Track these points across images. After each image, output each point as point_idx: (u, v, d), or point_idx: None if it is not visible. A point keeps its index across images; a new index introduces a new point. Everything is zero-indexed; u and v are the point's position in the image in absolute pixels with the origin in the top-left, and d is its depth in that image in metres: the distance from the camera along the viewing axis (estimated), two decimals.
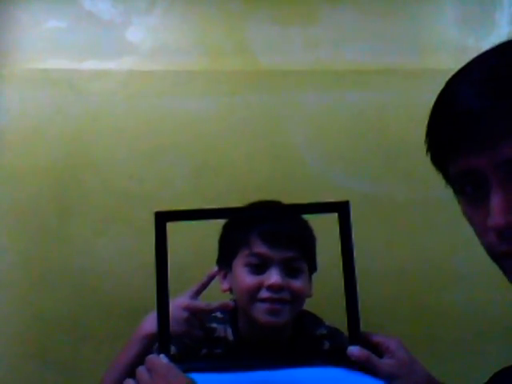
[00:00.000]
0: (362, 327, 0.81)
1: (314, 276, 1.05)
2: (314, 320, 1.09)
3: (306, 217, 1.04)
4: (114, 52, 1.61)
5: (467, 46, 1.65)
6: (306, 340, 1.04)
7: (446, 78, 0.56)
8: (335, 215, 0.82)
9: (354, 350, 0.79)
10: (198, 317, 0.99)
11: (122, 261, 1.52)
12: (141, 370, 0.75)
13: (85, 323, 1.51)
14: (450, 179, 0.58)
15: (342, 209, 0.81)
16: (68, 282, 1.52)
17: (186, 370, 0.74)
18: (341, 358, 0.79)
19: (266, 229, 0.98)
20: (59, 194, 1.55)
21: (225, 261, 1.04)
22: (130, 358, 0.97)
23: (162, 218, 0.81)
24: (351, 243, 0.81)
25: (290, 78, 1.62)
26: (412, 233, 1.57)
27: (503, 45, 0.53)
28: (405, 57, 1.64)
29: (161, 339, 0.80)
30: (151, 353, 0.85)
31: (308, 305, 1.05)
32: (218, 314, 1.05)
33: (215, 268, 1.04)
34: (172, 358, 0.77)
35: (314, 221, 1.04)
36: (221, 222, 1.06)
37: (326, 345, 1.05)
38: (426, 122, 0.58)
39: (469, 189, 0.55)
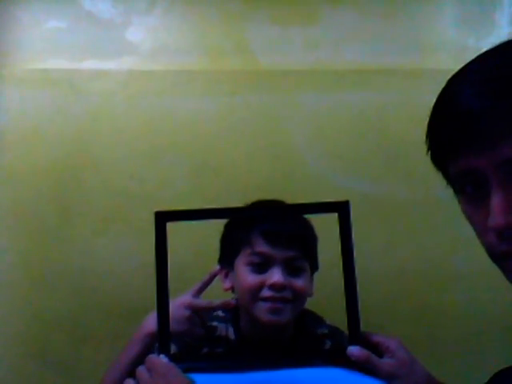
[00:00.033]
0: (362, 327, 0.80)
1: (315, 276, 1.05)
2: (315, 319, 1.09)
3: (307, 216, 1.05)
4: (114, 52, 1.61)
5: (467, 46, 1.65)
6: (307, 339, 1.04)
7: (446, 78, 0.56)
8: (335, 215, 0.81)
9: (354, 350, 0.79)
10: (199, 315, 1.00)
11: (122, 261, 1.52)
12: (141, 370, 0.75)
13: (85, 323, 1.51)
14: (450, 179, 0.58)
15: (342, 209, 0.81)
16: (68, 281, 1.52)
17: (186, 370, 0.74)
18: (341, 358, 0.79)
19: (268, 228, 0.98)
20: (59, 194, 1.55)
21: (227, 260, 1.05)
22: (131, 358, 0.97)
23: (162, 218, 0.81)
24: (351, 243, 0.81)
25: (290, 78, 1.62)
26: (412, 233, 1.57)
27: (503, 45, 0.53)
28: (405, 57, 1.64)
29: (161, 339, 0.80)
30: (152, 352, 0.85)
31: (308, 305, 1.06)
32: (220, 313, 1.05)
33: (217, 267, 1.04)
34: (172, 358, 0.77)
35: (314, 221, 1.04)
36: (221, 222, 1.06)
37: (328, 344, 1.05)
38: (426, 122, 0.58)
39: (469, 189, 0.55)
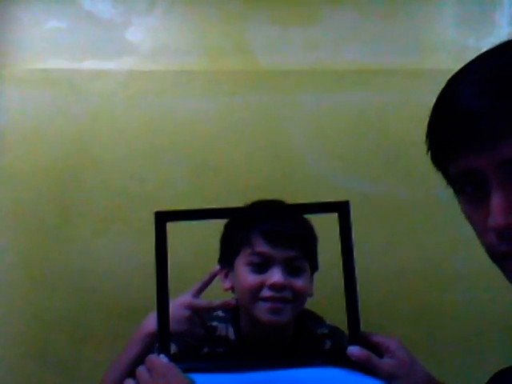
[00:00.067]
0: (362, 327, 0.81)
1: (315, 276, 1.05)
2: (315, 319, 1.09)
3: (307, 216, 1.05)
4: (114, 52, 1.61)
5: (467, 46, 1.65)
6: (307, 339, 1.04)
7: (446, 78, 0.56)
8: (335, 215, 0.81)
9: (354, 350, 0.79)
10: (199, 315, 1.00)
11: (122, 261, 1.52)
12: (141, 370, 0.75)
13: (85, 323, 1.51)
14: (450, 179, 0.58)
15: (342, 209, 0.81)
16: (68, 281, 1.52)
17: (186, 370, 0.74)
18: (341, 358, 0.79)
19: (268, 228, 0.98)
20: (59, 194, 1.55)
21: (227, 260, 1.05)
22: (131, 358, 0.97)
23: (162, 218, 0.81)
24: (351, 243, 0.81)
25: (290, 78, 1.62)
26: (412, 233, 1.57)
27: (503, 45, 0.53)
28: (405, 57, 1.64)
29: (161, 339, 0.80)
30: (152, 352, 0.85)
31: (308, 305, 1.06)
32: (220, 313, 1.05)
33: (217, 267, 1.04)
34: (172, 358, 0.77)
35: (314, 221, 1.04)
36: (221, 222, 1.06)
37: (328, 344, 1.05)
38: (426, 122, 0.58)
39: (469, 189, 0.55)
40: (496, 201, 0.51)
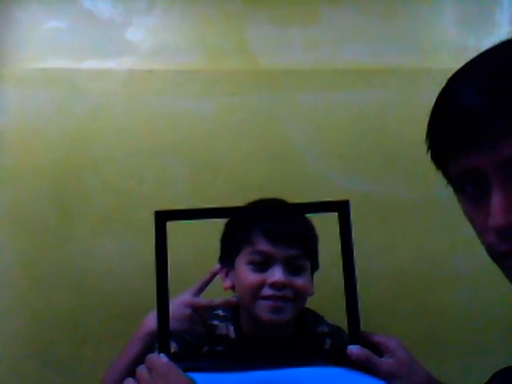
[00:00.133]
0: (362, 327, 0.81)
1: (315, 275, 1.05)
2: (316, 318, 1.09)
3: (307, 216, 1.05)
4: (114, 52, 1.61)
5: (467, 46, 1.65)
6: (307, 338, 1.04)
7: (446, 78, 0.56)
8: (335, 215, 0.82)
9: (354, 350, 0.79)
10: (199, 314, 1.00)
11: (122, 261, 1.52)
12: (141, 369, 0.75)
13: (85, 323, 1.51)
14: (450, 178, 0.58)
15: (342, 208, 0.81)
16: (68, 281, 1.52)
17: (186, 370, 0.74)
18: (341, 358, 0.79)
19: (269, 227, 0.98)
20: (59, 194, 1.55)
21: (227, 259, 1.05)
22: (132, 357, 0.97)
23: (162, 218, 0.81)
24: (351, 243, 0.81)
25: (290, 78, 1.62)
26: (412, 233, 1.57)
27: (503, 44, 0.53)
28: (405, 57, 1.64)
29: (161, 339, 0.80)
30: (152, 352, 0.85)
31: (308, 304, 1.06)
32: (220, 312, 1.06)
33: (217, 266, 1.05)
34: (172, 357, 0.77)
35: (314, 220, 1.04)
36: (221, 221, 1.06)
37: (328, 342, 1.05)
38: (426, 122, 0.57)
39: (469, 188, 0.55)
40: (496, 200, 0.51)
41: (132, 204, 1.54)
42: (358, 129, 1.60)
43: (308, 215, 1.04)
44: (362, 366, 0.79)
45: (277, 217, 1.01)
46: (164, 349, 0.78)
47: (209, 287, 1.03)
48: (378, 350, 0.81)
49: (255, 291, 0.97)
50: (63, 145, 1.56)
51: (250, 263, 0.99)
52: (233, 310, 1.05)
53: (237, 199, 0.99)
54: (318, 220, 1.03)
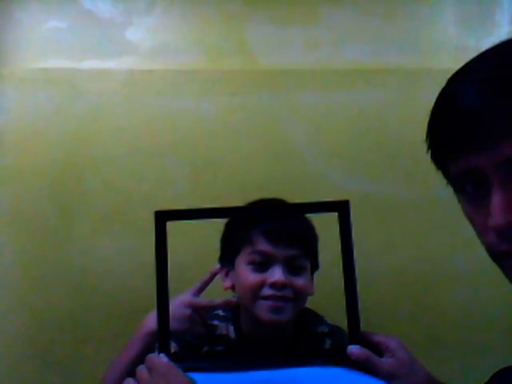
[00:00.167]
0: (362, 327, 0.81)
1: (315, 275, 1.05)
2: (316, 318, 1.09)
3: (307, 216, 1.05)
4: (113, 52, 1.61)
5: (467, 46, 1.65)
6: (307, 338, 1.04)
7: (446, 78, 0.56)
8: (335, 215, 0.82)
9: (353, 350, 0.79)
10: (199, 314, 1.00)
11: (122, 261, 1.52)
12: (141, 370, 0.75)
13: (85, 323, 1.51)
14: (450, 178, 0.58)
15: (341, 208, 0.81)
16: (68, 281, 1.52)
17: (186, 370, 0.74)
18: (341, 358, 0.79)
19: (270, 227, 0.98)
20: (59, 194, 1.55)
21: (227, 258, 1.05)
22: (132, 357, 0.97)
23: (162, 218, 0.81)
24: (351, 243, 0.81)
25: (290, 78, 1.62)
26: (412, 233, 1.57)
27: (503, 44, 0.53)
28: (405, 57, 1.64)
29: (161, 339, 0.80)
30: (152, 351, 0.85)
31: (308, 304, 1.06)
32: (220, 312, 1.06)
33: (217, 266, 1.05)
34: (172, 357, 0.77)
35: (314, 220, 1.04)
36: (221, 221, 1.06)
37: (328, 342, 1.05)
38: (426, 122, 0.57)
39: (469, 188, 0.55)
40: (496, 200, 0.51)
41: (132, 204, 1.54)
42: (358, 129, 1.60)
43: (308, 215, 1.04)
44: (362, 366, 0.79)
45: (277, 217, 1.01)
46: (164, 349, 0.78)
47: (209, 287, 1.03)
48: (378, 350, 0.81)
49: (255, 291, 0.97)
50: (63, 145, 1.56)
51: (250, 263, 0.99)
52: (233, 310, 1.05)
53: (237, 199, 0.99)
54: (318, 220, 1.03)
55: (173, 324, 0.81)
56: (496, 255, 0.54)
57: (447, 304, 1.55)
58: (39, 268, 1.52)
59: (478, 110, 0.50)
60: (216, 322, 1.04)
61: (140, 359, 0.88)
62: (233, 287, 1.04)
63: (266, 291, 0.97)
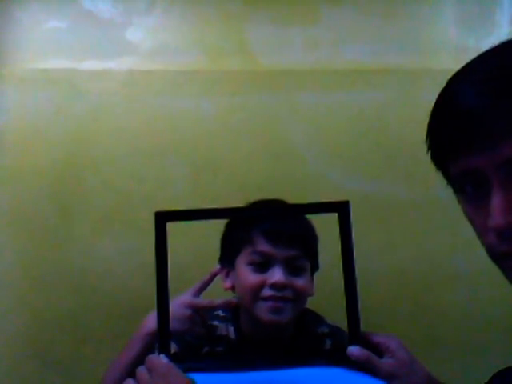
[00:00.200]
0: (362, 327, 0.81)
1: (315, 275, 1.05)
2: (316, 318, 1.09)
3: (307, 216, 1.05)
4: (114, 52, 1.61)
5: (467, 46, 1.65)
6: (307, 338, 1.04)
7: (446, 78, 0.56)
8: (335, 215, 0.82)
9: (353, 350, 0.79)
10: (199, 314, 1.00)
11: (122, 261, 1.52)
12: (141, 370, 0.75)
13: (85, 323, 1.51)
14: (450, 179, 0.57)
15: (341, 209, 0.81)
16: (68, 281, 1.52)
17: (186, 370, 0.74)
18: (341, 358, 0.79)
19: (270, 227, 0.98)
20: (59, 194, 1.55)
21: (227, 259, 1.05)
22: (132, 357, 0.97)
23: (162, 218, 0.81)
24: (351, 243, 0.81)
25: (290, 78, 1.62)
26: (412, 233, 1.57)
27: (503, 44, 0.53)
28: (405, 57, 1.64)
29: (161, 339, 0.80)
30: (152, 352, 0.85)
31: (308, 305, 1.06)
32: (220, 313, 1.06)
33: (217, 266, 1.05)
34: (172, 358, 0.77)
35: (315, 221, 1.04)
36: (221, 222, 1.06)
37: (328, 343, 1.05)
38: (426, 122, 0.57)
39: (469, 188, 0.55)
40: (496, 201, 0.51)
41: (132, 204, 1.54)
42: (358, 129, 1.60)
43: (308, 216, 1.04)
44: (362, 367, 0.79)
45: (277, 217, 1.01)
46: (164, 349, 0.79)
47: (209, 288, 1.03)
48: (378, 350, 0.81)
49: (255, 292, 0.97)
50: (63, 145, 1.56)
51: (250, 264, 0.99)
52: (233, 311, 1.05)
53: (237, 199, 0.99)
54: (318, 220, 1.03)
55: (173, 324, 0.81)
56: (496, 256, 0.54)
57: (447, 304, 1.55)
58: (39, 268, 1.52)
59: (478, 110, 0.50)
60: (216, 323, 1.04)
61: (140, 359, 0.89)
62: (233, 288, 1.04)
63: (266, 292, 0.97)
